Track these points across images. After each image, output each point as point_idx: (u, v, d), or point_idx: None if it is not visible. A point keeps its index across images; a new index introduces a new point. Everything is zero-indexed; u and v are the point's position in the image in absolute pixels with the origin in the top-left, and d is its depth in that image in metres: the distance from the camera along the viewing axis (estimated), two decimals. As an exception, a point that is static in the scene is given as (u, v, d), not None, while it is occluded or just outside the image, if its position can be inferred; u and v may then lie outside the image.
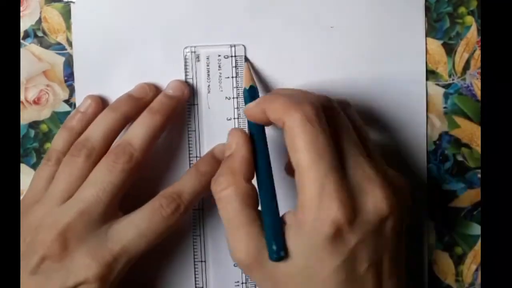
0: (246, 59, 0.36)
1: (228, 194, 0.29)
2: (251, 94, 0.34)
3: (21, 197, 0.34)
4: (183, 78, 0.36)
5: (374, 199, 0.28)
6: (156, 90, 0.35)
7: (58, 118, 0.37)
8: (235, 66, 0.36)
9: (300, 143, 0.28)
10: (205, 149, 0.36)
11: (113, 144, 0.33)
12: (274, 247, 0.28)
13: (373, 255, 0.28)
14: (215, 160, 0.34)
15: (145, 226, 0.32)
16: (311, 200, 0.28)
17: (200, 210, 0.36)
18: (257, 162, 0.31)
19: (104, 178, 0.32)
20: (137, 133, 0.33)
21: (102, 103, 0.35)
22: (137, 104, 0.35)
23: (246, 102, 0.34)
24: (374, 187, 0.28)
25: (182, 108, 0.36)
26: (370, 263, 0.28)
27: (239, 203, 0.29)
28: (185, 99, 0.35)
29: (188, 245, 0.37)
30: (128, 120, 0.34)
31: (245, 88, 0.34)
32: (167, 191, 0.33)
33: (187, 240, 0.36)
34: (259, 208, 0.30)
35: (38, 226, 0.31)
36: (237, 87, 0.36)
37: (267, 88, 0.36)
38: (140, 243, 0.31)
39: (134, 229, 0.32)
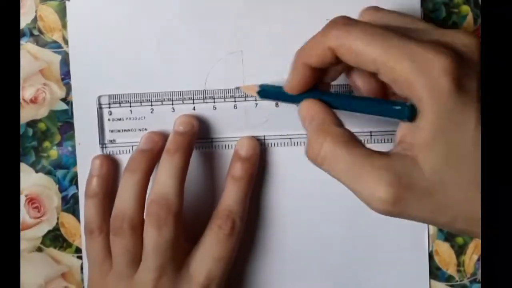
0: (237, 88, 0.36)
1: (330, 148, 0.26)
2: (269, 90, 0.32)
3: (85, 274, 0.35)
4: (180, 79, 0.36)
5: (462, 35, 0.27)
6: (163, 136, 0.35)
7: (55, 116, 0.37)
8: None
9: (360, 39, 0.26)
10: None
11: (147, 200, 0.34)
12: (398, 107, 0.26)
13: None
14: (243, 159, 0.35)
15: (215, 251, 0.33)
16: (421, 84, 0.25)
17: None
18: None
19: (157, 241, 0.32)
20: (165, 180, 0.33)
21: (109, 159, 0.36)
22: (152, 156, 0.35)
23: (272, 98, 0.33)
24: (450, 32, 0.27)
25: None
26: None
27: (347, 149, 0.26)
28: (196, 131, 0.35)
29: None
30: (150, 174, 0.35)
31: (258, 92, 0.33)
32: (218, 212, 0.34)
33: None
34: None
35: None
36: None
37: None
38: (219, 266, 0.33)
39: (208, 257, 0.33)
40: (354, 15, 0.35)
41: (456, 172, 0.26)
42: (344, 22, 0.27)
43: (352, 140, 0.27)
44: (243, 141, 0.35)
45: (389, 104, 0.28)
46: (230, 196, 0.34)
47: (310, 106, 0.29)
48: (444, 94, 0.25)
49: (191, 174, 0.35)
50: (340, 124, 0.28)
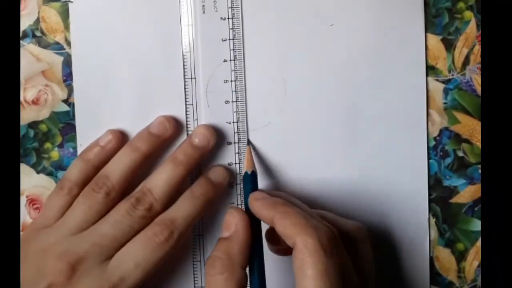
0: (249, 142, 0.36)
1: (221, 280, 0.29)
2: (252, 179, 0.34)
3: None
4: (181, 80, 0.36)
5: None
6: (176, 124, 0.36)
7: (57, 118, 0.37)
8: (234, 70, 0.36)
9: (310, 271, 0.27)
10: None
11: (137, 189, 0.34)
12: None
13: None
14: (210, 183, 0.35)
15: (140, 256, 0.32)
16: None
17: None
18: (253, 247, 0.31)
19: (122, 220, 0.32)
20: (159, 183, 0.33)
21: (122, 138, 0.36)
22: (157, 142, 0.35)
23: (245, 186, 0.34)
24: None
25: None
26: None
27: None
28: (210, 149, 0.35)
29: (187, 245, 0.36)
30: (147, 158, 0.35)
31: (246, 172, 0.34)
32: (161, 218, 0.33)
33: (187, 241, 0.36)
34: None
35: (48, 252, 0.32)
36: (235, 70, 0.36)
37: (267, 88, 0.36)
38: (136, 273, 0.32)
39: (130, 259, 0.32)
40: (354, 18, 0.35)
41: None
42: (322, 247, 0.28)
43: (241, 287, 0.29)
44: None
45: None
46: (181, 207, 0.33)
47: (238, 226, 0.31)
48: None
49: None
50: (244, 267, 0.30)
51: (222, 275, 0.29)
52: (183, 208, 0.33)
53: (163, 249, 0.32)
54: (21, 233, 0.35)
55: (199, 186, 0.34)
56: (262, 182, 0.36)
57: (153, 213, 0.33)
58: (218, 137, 0.36)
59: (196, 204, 0.33)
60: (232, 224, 0.31)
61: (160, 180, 0.33)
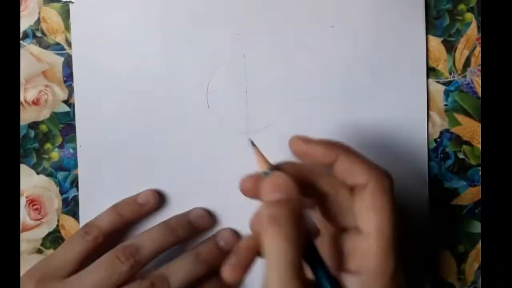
0: (253, 143, 0.34)
1: (271, 235, 0.25)
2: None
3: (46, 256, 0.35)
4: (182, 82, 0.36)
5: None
6: (212, 221, 0.36)
7: (57, 118, 0.37)
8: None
9: (387, 206, 0.28)
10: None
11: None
12: None
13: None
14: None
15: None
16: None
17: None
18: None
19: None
20: (178, 275, 0.33)
21: (160, 200, 0.36)
22: (195, 232, 0.35)
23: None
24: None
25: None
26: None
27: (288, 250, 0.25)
28: (206, 228, 0.36)
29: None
30: (181, 243, 0.35)
31: (265, 173, 0.29)
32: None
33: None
34: None
35: None
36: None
37: (268, 88, 0.36)
38: None
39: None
40: (355, 20, 0.35)
41: None
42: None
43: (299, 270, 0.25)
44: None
45: None
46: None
47: (289, 190, 0.27)
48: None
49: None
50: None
51: (269, 230, 0.25)
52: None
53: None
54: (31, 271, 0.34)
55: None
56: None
57: (135, 267, 0.33)
58: (218, 137, 0.36)
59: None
60: (279, 186, 0.27)
61: (180, 272, 0.33)
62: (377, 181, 0.28)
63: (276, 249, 0.24)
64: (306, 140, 0.30)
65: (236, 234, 0.36)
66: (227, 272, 0.25)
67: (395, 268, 0.27)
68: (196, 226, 0.35)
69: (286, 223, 0.25)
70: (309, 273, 0.26)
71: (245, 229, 0.36)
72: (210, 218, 0.36)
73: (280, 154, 0.36)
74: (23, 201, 0.37)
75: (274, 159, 0.36)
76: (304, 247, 0.26)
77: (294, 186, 0.27)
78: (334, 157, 0.29)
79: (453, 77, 0.36)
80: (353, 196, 0.28)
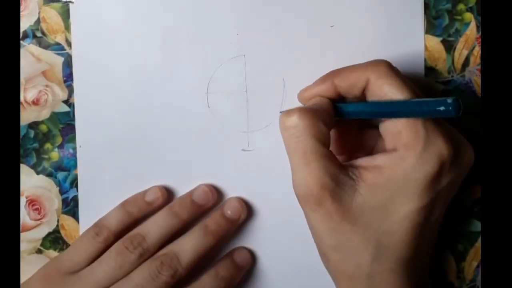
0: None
1: (302, 126, 0.29)
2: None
3: (58, 255, 0.35)
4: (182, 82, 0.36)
5: (467, 147, 0.30)
6: (218, 195, 0.36)
7: (57, 118, 0.36)
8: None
9: (399, 83, 0.29)
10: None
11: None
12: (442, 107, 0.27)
13: (445, 203, 0.30)
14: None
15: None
16: (416, 135, 0.28)
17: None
18: None
19: (145, 285, 0.32)
20: (187, 248, 0.33)
21: (168, 196, 0.36)
22: (198, 211, 0.35)
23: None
24: (466, 142, 0.31)
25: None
26: (440, 211, 0.30)
27: (313, 140, 0.29)
28: (240, 223, 0.36)
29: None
30: (186, 226, 0.35)
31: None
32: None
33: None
34: None
35: None
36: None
37: (268, 88, 0.36)
38: None
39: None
40: (354, 20, 0.35)
41: (373, 227, 0.29)
42: (387, 66, 0.30)
43: (324, 138, 0.29)
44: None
45: (432, 104, 0.28)
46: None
47: (320, 99, 0.31)
48: (423, 172, 0.28)
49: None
50: (328, 124, 0.30)
51: (301, 122, 0.29)
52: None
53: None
54: (41, 271, 0.35)
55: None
56: (262, 182, 0.36)
57: (177, 279, 0.33)
58: (218, 137, 0.36)
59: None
60: (313, 100, 0.31)
61: (189, 246, 0.33)
62: (378, 69, 0.29)
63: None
64: (305, 89, 0.32)
65: (242, 203, 0.35)
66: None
67: (426, 139, 0.28)
68: (201, 204, 0.35)
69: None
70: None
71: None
72: (216, 193, 0.36)
73: (280, 154, 0.36)
74: (23, 201, 0.37)
75: (274, 159, 0.36)
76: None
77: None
78: (331, 83, 0.31)
79: (452, 76, 0.36)
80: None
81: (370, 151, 0.33)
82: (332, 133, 0.32)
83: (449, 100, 0.27)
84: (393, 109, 0.29)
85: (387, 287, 0.29)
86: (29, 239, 0.37)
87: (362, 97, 0.31)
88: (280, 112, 0.32)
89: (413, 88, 0.29)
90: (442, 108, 0.27)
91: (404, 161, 0.28)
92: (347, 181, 0.29)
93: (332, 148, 0.30)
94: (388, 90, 0.29)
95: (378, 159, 0.29)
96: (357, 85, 0.30)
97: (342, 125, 0.33)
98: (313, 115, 0.29)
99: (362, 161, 0.29)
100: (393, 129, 0.29)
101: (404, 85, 0.29)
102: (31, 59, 0.36)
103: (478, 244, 0.37)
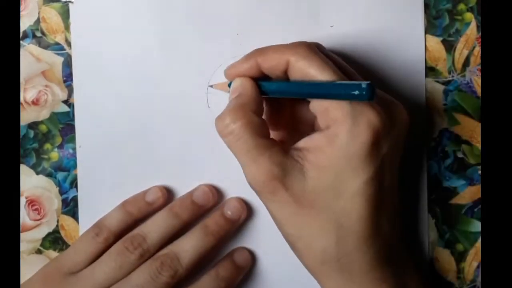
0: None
1: (238, 129, 0.29)
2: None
3: (57, 255, 0.36)
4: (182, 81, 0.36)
5: (400, 109, 0.30)
6: (218, 195, 0.36)
7: (57, 118, 0.36)
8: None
9: (318, 64, 0.29)
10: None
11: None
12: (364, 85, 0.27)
13: (394, 166, 0.30)
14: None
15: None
16: (342, 110, 0.28)
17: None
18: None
19: (145, 285, 0.32)
20: (188, 249, 0.33)
21: (168, 196, 0.36)
22: (198, 212, 0.35)
23: None
24: (395, 101, 0.31)
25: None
26: (391, 176, 0.29)
27: (252, 135, 0.29)
28: (241, 223, 0.36)
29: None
30: (186, 226, 0.35)
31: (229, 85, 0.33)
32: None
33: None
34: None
35: None
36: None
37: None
38: None
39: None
40: (354, 18, 0.35)
41: (330, 209, 0.28)
42: (307, 47, 0.30)
43: (261, 129, 0.29)
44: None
45: (346, 87, 0.28)
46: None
47: (243, 84, 0.31)
48: (358, 144, 0.28)
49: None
50: (259, 112, 0.30)
51: (237, 123, 0.29)
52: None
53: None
54: (41, 271, 0.35)
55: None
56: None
57: (177, 279, 0.33)
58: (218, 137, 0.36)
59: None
60: (238, 86, 0.31)
61: (189, 246, 0.33)
62: (297, 51, 0.29)
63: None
64: (230, 66, 0.32)
65: (242, 203, 0.35)
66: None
67: (353, 112, 0.28)
68: (201, 205, 0.35)
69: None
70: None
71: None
72: (216, 193, 0.36)
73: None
74: (22, 201, 0.37)
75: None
76: None
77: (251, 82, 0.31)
78: (255, 61, 0.31)
79: (452, 76, 0.36)
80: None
81: (312, 125, 0.32)
82: (267, 107, 0.33)
83: (363, 85, 0.27)
84: (311, 90, 0.29)
85: (357, 266, 0.29)
86: (29, 239, 0.37)
87: (285, 77, 0.31)
88: (208, 86, 0.34)
89: (334, 70, 0.29)
90: (356, 92, 0.27)
91: (337, 137, 0.28)
92: (295, 165, 0.29)
93: (269, 125, 0.31)
94: (307, 72, 0.29)
95: (315, 139, 0.29)
96: (277, 67, 0.30)
97: (277, 100, 0.33)
98: (244, 113, 0.29)
99: (304, 143, 0.29)
100: (320, 107, 0.29)
101: (324, 66, 0.29)
102: (31, 59, 0.36)
103: (478, 244, 0.37)
